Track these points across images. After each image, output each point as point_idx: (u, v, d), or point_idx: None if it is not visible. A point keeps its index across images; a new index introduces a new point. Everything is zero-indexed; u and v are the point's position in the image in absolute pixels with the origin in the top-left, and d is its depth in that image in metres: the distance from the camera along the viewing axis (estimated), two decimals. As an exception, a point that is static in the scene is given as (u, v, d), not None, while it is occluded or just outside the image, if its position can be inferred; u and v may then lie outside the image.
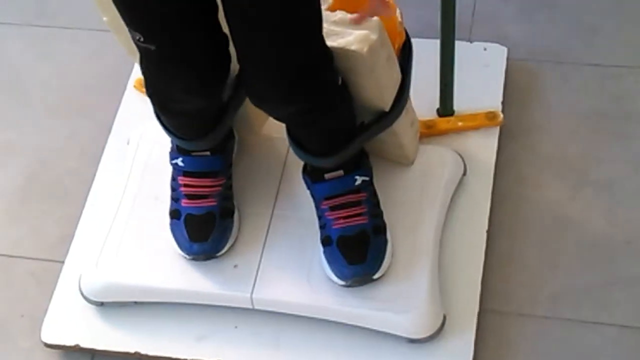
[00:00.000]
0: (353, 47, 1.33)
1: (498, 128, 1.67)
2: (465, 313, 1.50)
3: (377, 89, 1.43)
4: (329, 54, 1.34)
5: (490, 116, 1.67)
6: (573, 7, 1.86)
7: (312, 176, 1.49)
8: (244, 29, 1.29)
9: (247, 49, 1.31)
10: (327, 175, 1.48)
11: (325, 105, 1.38)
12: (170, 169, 1.55)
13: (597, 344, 1.51)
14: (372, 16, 1.36)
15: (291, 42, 1.28)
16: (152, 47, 1.30)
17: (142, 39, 1.30)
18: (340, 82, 1.39)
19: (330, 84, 1.37)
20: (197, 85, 1.37)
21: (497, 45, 1.77)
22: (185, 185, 1.53)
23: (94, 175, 1.69)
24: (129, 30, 1.31)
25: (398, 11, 1.47)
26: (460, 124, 1.67)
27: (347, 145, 1.45)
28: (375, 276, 1.47)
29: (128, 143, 1.68)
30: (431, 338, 1.47)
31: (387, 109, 1.46)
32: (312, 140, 1.45)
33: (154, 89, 1.41)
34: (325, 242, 1.49)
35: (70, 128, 1.81)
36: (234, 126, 1.57)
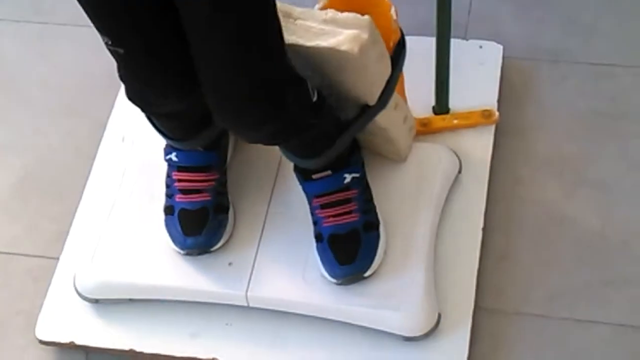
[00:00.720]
0: (343, 48, 1.32)
1: (493, 126, 1.67)
2: (460, 311, 1.50)
3: (367, 85, 1.42)
4: (294, 75, 1.31)
5: (486, 114, 1.67)
6: (569, 6, 1.86)
7: (302, 174, 1.49)
8: (200, 44, 1.26)
9: (203, 61, 1.28)
10: (314, 176, 1.47)
11: (297, 126, 1.36)
12: (165, 166, 1.55)
13: (592, 343, 1.50)
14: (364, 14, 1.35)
15: (245, 59, 1.25)
16: (121, 51, 1.30)
17: (110, 42, 1.29)
18: (315, 98, 1.36)
19: (300, 107, 1.33)
20: (169, 88, 1.36)
21: (492, 43, 1.77)
22: (179, 180, 1.53)
23: (89, 172, 1.69)
24: (99, 33, 1.30)
25: (393, 8, 1.46)
26: (455, 121, 1.67)
27: (329, 148, 1.43)
28: (366, 274, 1.47)
29: (123, 140, 1.68)
30: (426, 336, 1.47)
31: (373, 103, 1.44)
32: (293, 146, 1.45)
33: (131, 93, 1.40)
34: (318, 238, 1.49)
35: (66, 125, 1.80)
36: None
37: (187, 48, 1.29)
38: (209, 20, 1.21)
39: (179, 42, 1.29)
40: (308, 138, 1.40)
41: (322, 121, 1.39)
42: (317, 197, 1.48)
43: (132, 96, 1.41)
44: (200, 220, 1.51)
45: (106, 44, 1.30)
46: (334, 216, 1.48)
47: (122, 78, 1.38)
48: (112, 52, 1.32)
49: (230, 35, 1.22)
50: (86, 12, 1.28)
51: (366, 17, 1.35)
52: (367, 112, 1.45)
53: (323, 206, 1.48)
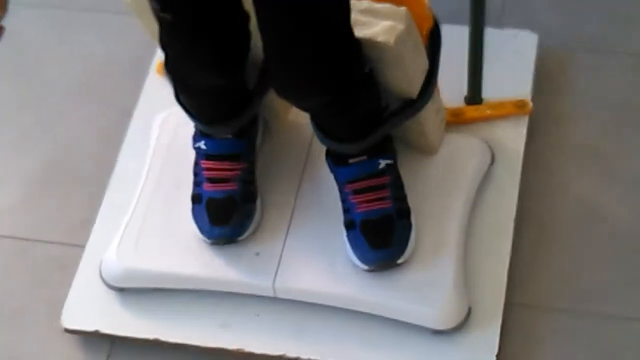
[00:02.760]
0: (380, 39, 1.32)
1: (527, 117, 1.65)
2: (491, 305, 1.48)
3: (405, 78, 1.41)
4: (355, 43, 1.33)
5: (520, 105, 1.64)
6: (607, -6, 1.83)
7: (335, 160, 1.48)
8: (270, 13, 1.27)
9: (272, 35, 1.29)
10: (350, 160, 1.46)
11: (351, 96, 1.37)
12: (191, 155, 1.54)
13: (625, 340, 1.48)
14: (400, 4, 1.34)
15: (318, 31, 1.27)
16: (169, 17, 1.30)
17: (159, 8, 1.29)
18: (367, 69, 1.37)
19: (356, 75, 1.35)
20: (212, 58, 1.35)
21: (527, 32, 1.75)
22: (207, 169, 1.52)
23: (115, 160, 1.68)
24: (149, 1, 1.30)
25: (427, -5, 1.45)
26: (488, 112, 1.65)
27: (372, 133, 1.43)
28: (399, 261, 1.46)
29: (150, 128, 1.67)
30: (456, 330, 1.46)
31: (414, 96, 1.44)
32: (337, 128, 1.44)
33: (171, 63, 1.40)
34: (349, 225, 1.48)
35: (91, 113, 1.80)
36: (259, 111, 1.55)
37: (237, 20, 1.31)
38: None
39: (229, 13, 1.30)
40: (354, 115, 1.40)
41: (371, 95, 1.40)
42: (351, 182, 1.47)
43: (172, 68, 1.40)
44: (228, 210, 1.50)
45: (155, 9, 1.30)
46: (367, 202, 1.46)
47: (164, 47, 1.38)
48: (160, 19, 1.32)
49: (305, 7, 1.23)
50: None
51: (402, 8, 1.35)
52: (411, 105, 1.45)
53: (356, 192, 1.47)
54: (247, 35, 1.36)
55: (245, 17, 1.33)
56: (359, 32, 1.33)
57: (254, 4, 1.29)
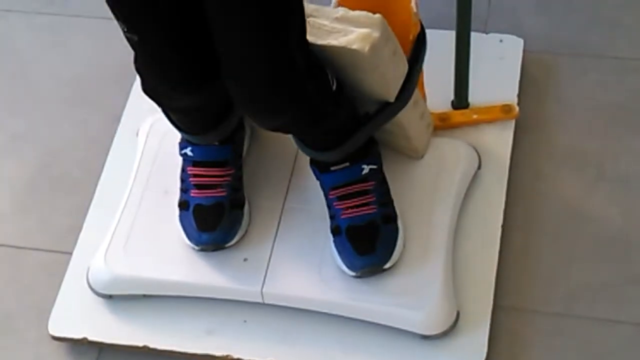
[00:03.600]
0: (354, 46, 1.32)
1: (514, 121, 1.65)
2: (479, 309, 1.48)
3: (382, 83, 1.41)
4: (313, 60, 1.31)
5: (506, 109, 1.65)
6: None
7: (319, 167, 1.48)
8: (222, 25, 1.25)
9: (226, 48, 1.27)
10: (333, 167, 1.46)
11: (312, 114, 1.35)
12: (179, 161, 1.54)
13: (613, 343, 1.49)
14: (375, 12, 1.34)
15: (270, 46, 1.24)
16: (135, 38, 1.29)
17: (126, 29, 1.28)
18: (334, 87, 1.36)
19: (313, 92, 1.33)
20: (185, 79, 1.34)
21: (513, 37, 1.75)
22: (194, 175, 1.51)
23: (103, 166, 1.67)
24: (116, 21, 1.29)
25: (413, 1, 1.45)
26: (475, 116, 1.65)
27: (348, 140, 1.43)
28: (386, 266, 1.46)
29: (137, 134, 1.66)
30: (444, 334, 1.46)
31: (392, 100, 1.44)
32: (312, 139, 1.44)
33: (146, 85, 1.39)
34: (335, 232, 1.48)
35: (79, 118, 1.79)
36: (245, 117, 1.55)
37: (205, 39, 1.28)
38: (233, 6, 1.20)
39: (197, 33, 1.29)
40: (326, 129, 1.40)
41: (340, 110, 1.39)
42: (335, 189, 1.47)
43: (148, 90, 1.39)
44: (216, 216, 1.49)
45: (123, 31, 1.29)
46: (352, 208, 1.46)
47: (138, 70, 1.37)
48: (128, 40, 1.30)
49: (254, 22, 1.22)
50: None
51: (377, 15, 1.34)
52: (387, 109, 1.44)
53: (341, 198, 1.47)
54: (214, 53, 1.32)
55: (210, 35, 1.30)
56: (334, 40, 1.33)
57: (210, 26, 1.26)
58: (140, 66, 1.36)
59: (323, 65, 1.33)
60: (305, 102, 1.32)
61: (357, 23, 1.34)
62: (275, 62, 1.27)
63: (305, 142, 1.45)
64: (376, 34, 1.33)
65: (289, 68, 1.28)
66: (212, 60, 1.31)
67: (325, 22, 1.34)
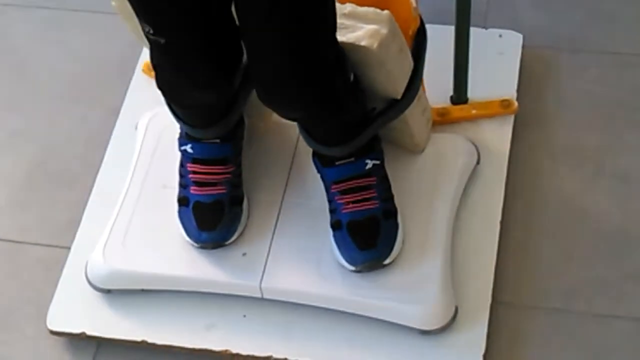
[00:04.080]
0: (363, 43, 1.32)
1: (513, 116, 1.65)
2: (478, 305, 1.48)
3: (390, 80, 1.41)
4: (341, 54, 1.32)
5: (505, 104, 1.65)
6: (590, -6, 1.84)
7: (322, 161, 1.48)
8: (254, 25, 1.26)
9: (257, 47, 1.29)
10: (337, 162, 1.46)
11: (336, 107, 1.37)
12: (178, 154, 1.53)
13: (612, 338, 1.49)
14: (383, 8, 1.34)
15: (303, 43, 1.26)
16: (162, 41, 1.29)
17: (151, 32, 1.28)
18: (352, 78, 1.37)
19: (341, 86, 1.35)
20: (206, 80, 1.35)
21: (512, 32, 1.75)
22: (194, 173, 1.51)
23: (102, 161, 1.67)
24: (140, 22, 1.29)
25: (413, -4, 1.45)
26: (474, 112, 1.65)
27: (358, 135, 1.43)
28: (386, 261, 1.46)
29: (136, 128, 1.66)
30: (443, 330, 1.46)
31: (399, 97, 1.44)
32: (322, 132, 1.44)
33: (164, 82, 1.39)
34: (336, 226, 1.48)
35: (78, 113, 1.79)
36: (244, 112, 1.55)
37: (230, 39, 1.29)
38: (269, 9, 1.21)
39: (222, 36, 1.29)
40: (340, 123, 1.40)
41: (357, 105, 1.40)
42: (337, 183, 1.47)
43: (164, 86, 1.39)
44: (216, 215, 1.49)
45: (147, 32, 1.29)
46: (353, 202, 1.46)
47: (155, 67, 1.37)
48: (152, 41, 1.30)
49: (289, 23, 1.23)
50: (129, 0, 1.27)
51: (386, 12, 1.35)
52: (395, 106, 1.45)
53: (343, 192, 1.47)
54: (240, 52, 1.35)
55: (238, 34, 1.32)
56: (343, 36, 1.33)
57: (237, 13, 1.27)
58: (160, 65, 1.36)
59: (346, 57, 1.34)
60: (333, 96, 1.33)
61: (365, 19, 1.34)
62: (307, 61, 1.28)
63: (313, 136, 1.45)
64: (384, 31, 1.33)
65: (321, 66, 1.30)
66: (235, 57, 1.33)
67: None
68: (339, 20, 1.32)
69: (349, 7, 1.35)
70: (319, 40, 1.28)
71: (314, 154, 1.49)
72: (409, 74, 1.44)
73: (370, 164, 1.47)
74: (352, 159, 1.46)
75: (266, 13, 1.23)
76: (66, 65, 1.85)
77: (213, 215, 1.49)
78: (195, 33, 1.29)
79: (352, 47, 1.33)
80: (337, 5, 1.34)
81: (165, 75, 1.37)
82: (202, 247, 1.51)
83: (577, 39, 1.78)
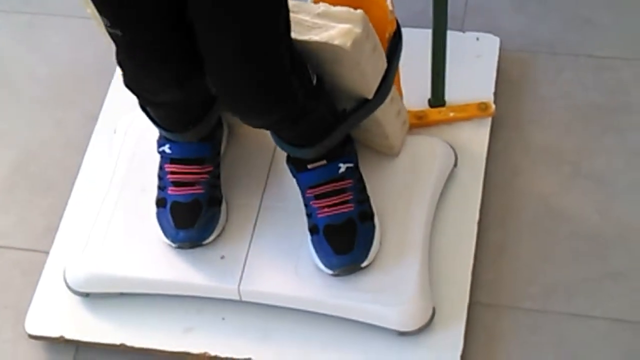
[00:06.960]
0: (336, 42, 1.32)
1: (490, 119, 1.66)
2: (455, 306, 1.48)
3: (362, 80, 1.41)
4: (297, 58, 1.31)
5: (482, 107, 1.65)
6: (567, -2, 1.85)
7: (295, 165, 1.48)
8: (201, 26, 1.25)
9: (206, 49, 1.27)
10: (309, 165, 1.46)
11: (299, 112, 1.36)
12: (157, 159, 1.54)
13: (589, 338, 1.49)
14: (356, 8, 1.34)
15: (249, 46, 1.24)
16: (119, 33, 1.28)
17: (109, 24, 1.27)
18: (314, 81, 1.36)
19: (300, 90, 1.33)
20: (169, 75, 1.33)
21: (489, 35, 1.76)
22: (172, 173, 1.51)
23: (80, 164, 1.67)
24: (100, 16, 1.28)
25: (389, -1, 1.45)
26: (451, 114, 1.65)
27: (326, 137, 1.43)
28: (364, 264, 1.46)
29: (115, 132, 1.66)
30: (420, 331, 1.46)
31: (370, 96, 1.44)
32: (291, 134, 1.44)
33: (128, 78, 1.38)
34: (313, 230, 1.48)
35: (56, 117, 1.79)
36: (223, 116, 1.55)
37: (189, 35, 1.28)
38: (216, 9, 1.20)
39: (180, 28, 1.28)
40: (307, 125, 1.40)
41: (320, 106, 1.39)
42: (312, 187, 1.47)
43: (130, 83, 1.38)
44: (193, 213, 1.49)
45: (105, 25, 1.28)
46: (329, 206, 1.46)
47: (120, 63, 1.36)
48: (111, 35, 1.30)
49: (232, 23, 1.22)
50: None
51: (359, 11, 1.34)
52: (366, 105, 1.44)
53: (318, 197, 1.47)
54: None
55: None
56: (316, 36, 1.32)
57: (195, 27, 1.26)
58: (123, 60, 1.35)
59: (304, 60, 1.34)
60: (292, 100, 1.32)
61: (338, 19, 1.34)
62: (262, 65, 1.27)
63: (283, 139, 1.45)
64: (357, 30, 1.33)
65: (276, 69, 1.28)
66: (197, 55, 1.31)
67: (306, 18, 1.34)
68: (311, 20, 1.32)
69: (322, 7, 1.35)
70: (267, 43, 1.26)
71: (288, 159, 1.49)
72: (382, 73, 1.44)
73: (343, 167, 1.47)
74: (324, 162, 1.46)
75: (210, 13, 1.22)
76: (44, 69, 1.85)
77: (190, 214, 1.49)
78: (152, 26, 1.28)
79: (325, 46, 1.32)
80: (310, 5, 1.34)
81: (129, 73, 1.36)
82: (179, 247, 1.51)
83: (554, 42, 1.79)
